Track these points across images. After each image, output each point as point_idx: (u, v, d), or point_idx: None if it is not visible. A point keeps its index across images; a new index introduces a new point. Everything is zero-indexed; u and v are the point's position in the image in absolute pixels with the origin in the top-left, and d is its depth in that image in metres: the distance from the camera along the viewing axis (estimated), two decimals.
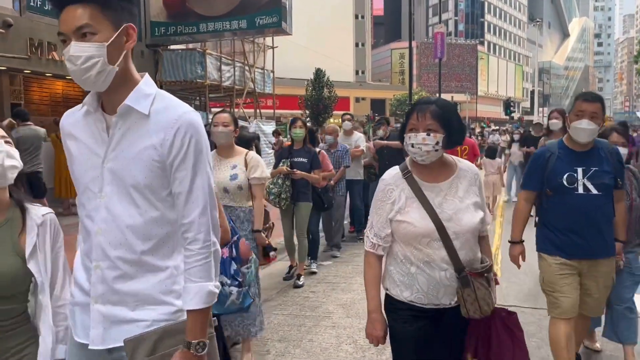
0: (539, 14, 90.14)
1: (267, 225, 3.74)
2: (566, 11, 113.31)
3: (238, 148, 3.59)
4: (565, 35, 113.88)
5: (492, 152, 10.09)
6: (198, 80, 13.49)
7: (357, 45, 56.22)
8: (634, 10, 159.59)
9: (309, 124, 5.92)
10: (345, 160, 6.55)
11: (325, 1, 46.67)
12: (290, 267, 5.71)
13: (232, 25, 13.03)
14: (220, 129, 3.45)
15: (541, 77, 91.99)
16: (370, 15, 60.22)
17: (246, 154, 3.55)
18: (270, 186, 5.16)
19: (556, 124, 6.58)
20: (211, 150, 3.74)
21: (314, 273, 5.85)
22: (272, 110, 17.65)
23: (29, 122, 8.03)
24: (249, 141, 4.22)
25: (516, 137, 10.81)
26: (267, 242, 3.58)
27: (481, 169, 10.50)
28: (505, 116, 41.10)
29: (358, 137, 7.27)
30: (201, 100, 16.96)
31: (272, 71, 17.58)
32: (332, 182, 6.14)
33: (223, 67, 14.56)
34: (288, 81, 34.75)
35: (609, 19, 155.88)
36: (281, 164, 5.32)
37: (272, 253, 3.64)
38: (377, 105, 47.66)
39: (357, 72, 56.33)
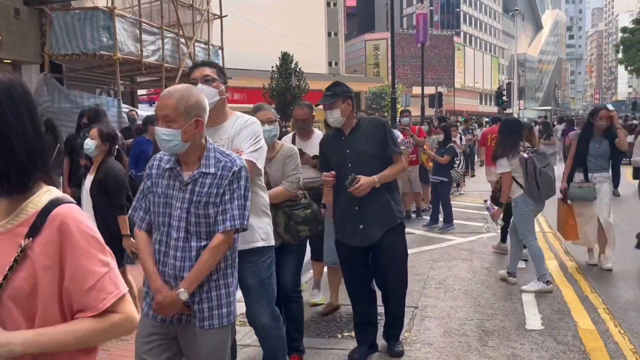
0: (513, 5, 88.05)
1: None
2: (539, 3, 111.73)
3: None
4: (538, 27, 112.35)
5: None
6: (102, 52, 9.36)
7: (329, 34, 52.59)
8: (601, 3, 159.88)
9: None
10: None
11: None
12: None
13: None
14: None
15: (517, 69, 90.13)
16: (343, 4, 56.78)
17: None
18: None
19: None
20: None
21: None
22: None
23: None
24: None
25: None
26: None
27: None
28: (496, 107, 37.81)
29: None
30: (126, 85, 12.79)
31: (221, 47, 13.51)
32: None
33: (145, 36, 10.43)
34: (255, 72, 30.71)
35: (580, 11, 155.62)
36: None
37: None
38: None
39: (330, 64, 52.71)
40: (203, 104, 2.14)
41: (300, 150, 3.60)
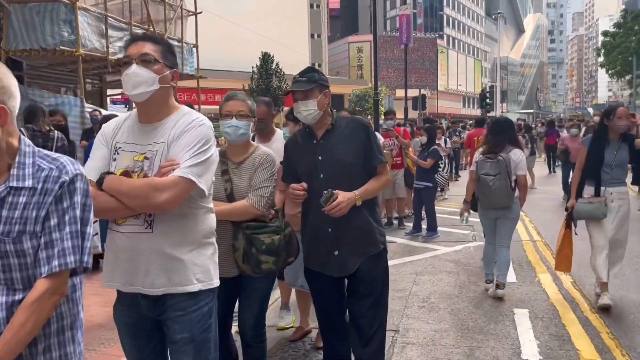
0: (495, 8, 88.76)
1: None
2: (521, 7, 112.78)
3: None
4: (520, 31, 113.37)
5: None
6: (63, 48, 8.71)
7: (312, 36, 52.17)
8: (582, 8, 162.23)
9: None
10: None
11: None
12: None
13: None
14: None
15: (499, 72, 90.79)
16: (326, 6, 56.46)
17: None
18: None
19: None
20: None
21: None
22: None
23: None
24: None
25: None
26: None
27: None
28: (479, 109, 37.72)
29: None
30: (94, 84, 12.15)
31: (196, 45, 12.92)
32: None
33: (111, 32, 9.80)
34: (236, 74, 30.12)
35: (561, 15, 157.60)
36: None
37: None
38: (336, 100, 43.38)
39: (313, 65, 52.30)
40: (6, 84, 1.41)
41: None
